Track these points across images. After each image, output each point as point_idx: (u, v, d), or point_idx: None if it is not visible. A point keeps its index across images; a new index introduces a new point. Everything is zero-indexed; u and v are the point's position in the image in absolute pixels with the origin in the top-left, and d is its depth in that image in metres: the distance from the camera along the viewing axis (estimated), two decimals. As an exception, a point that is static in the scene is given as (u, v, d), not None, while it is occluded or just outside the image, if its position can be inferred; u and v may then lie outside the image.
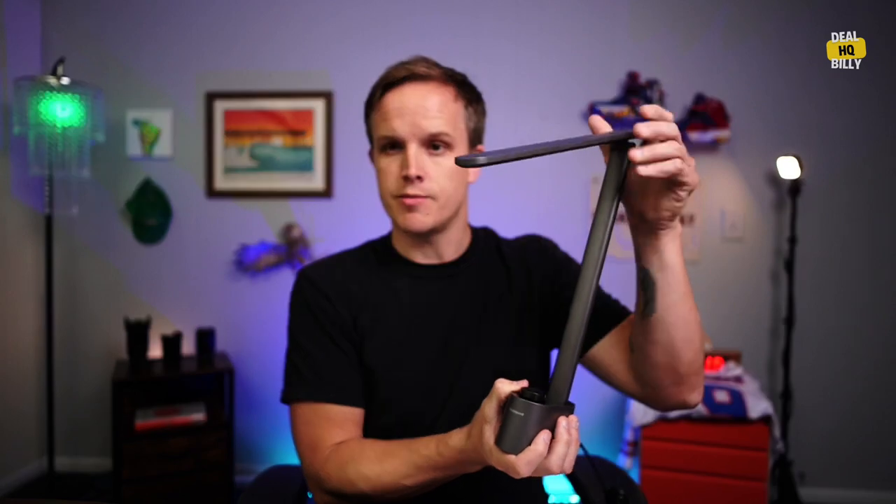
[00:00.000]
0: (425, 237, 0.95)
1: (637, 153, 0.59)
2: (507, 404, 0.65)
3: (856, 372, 2.45)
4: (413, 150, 0.88)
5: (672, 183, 0.64)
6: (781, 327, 2.44)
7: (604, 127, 0.64)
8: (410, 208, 0.90)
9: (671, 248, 0.71)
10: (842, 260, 2.45)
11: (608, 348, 0.89)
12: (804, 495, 2.38)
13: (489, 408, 0.69)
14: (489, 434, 0.68)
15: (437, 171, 0.90)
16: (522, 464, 0.63)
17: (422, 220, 0.90)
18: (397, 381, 0.94)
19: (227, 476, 2.38)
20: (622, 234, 2.28)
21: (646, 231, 0.71)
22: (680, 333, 0.76)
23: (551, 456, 0.64)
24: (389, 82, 0.90)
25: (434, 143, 0.90)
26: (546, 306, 0.99)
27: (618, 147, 0.62)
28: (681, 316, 0.75)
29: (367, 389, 0.95)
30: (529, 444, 0.64)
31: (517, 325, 0.97)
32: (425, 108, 0.88)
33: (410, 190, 0.88)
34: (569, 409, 0.66)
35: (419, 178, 0.88)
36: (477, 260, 1.01)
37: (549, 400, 0.64)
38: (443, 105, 0.90)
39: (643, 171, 0.60)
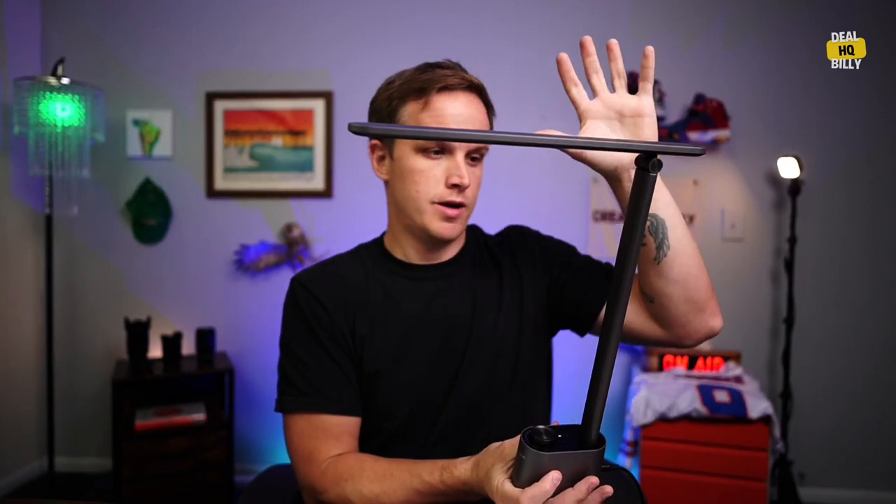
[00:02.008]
0: (442, 242, 0.96)
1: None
2: (521, 442, 0.65)
3: (856, 372, 2.45)
4: (461, 158, 0.89)
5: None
6: (781, 327, 2.43)
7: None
8: (450, 220, 0.91)
9: (661, 182, 0.77)
10: (842, 260, 2.45)
11: None
12: (804, 495, 2.38)
13: (511, 449, 0.69)
14: (499, 472, 0.68)
15: (473, 182, 0.92)
16: (526, 498, 0.63)
17: (458, 229, 0.93)
18: (397, 385, 0.94)
19: (227, 476, 2.38)
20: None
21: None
22: (693, 260, 0.81)
23: (557, 501, 0.64)
24: (446, 86, 0.89)
25: (474, 155, 0.92)
26: (538, 295, 1.00)
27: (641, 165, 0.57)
28: (689, 243, 0.81)
29: (367, 395, 0.94)
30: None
31: (512, 321, 0.98)
32: (475, 119, 0.91)
33: (457, 198, 0.90)
34: (596, 450, 0.65)
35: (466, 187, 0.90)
36: (470, 258, 1.02)
37: (567, 443, 0.64)
38: (484, 118, 0.94)
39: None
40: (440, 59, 0.95)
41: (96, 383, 2.67)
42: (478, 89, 0.93)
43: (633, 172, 0.68)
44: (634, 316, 0.89)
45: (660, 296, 0.83)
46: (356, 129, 0.47)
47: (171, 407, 2.41)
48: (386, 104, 0.94)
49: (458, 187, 0.89)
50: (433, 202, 0.90)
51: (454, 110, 0.89)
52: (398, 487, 0.81)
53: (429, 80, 0.89)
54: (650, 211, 0.71)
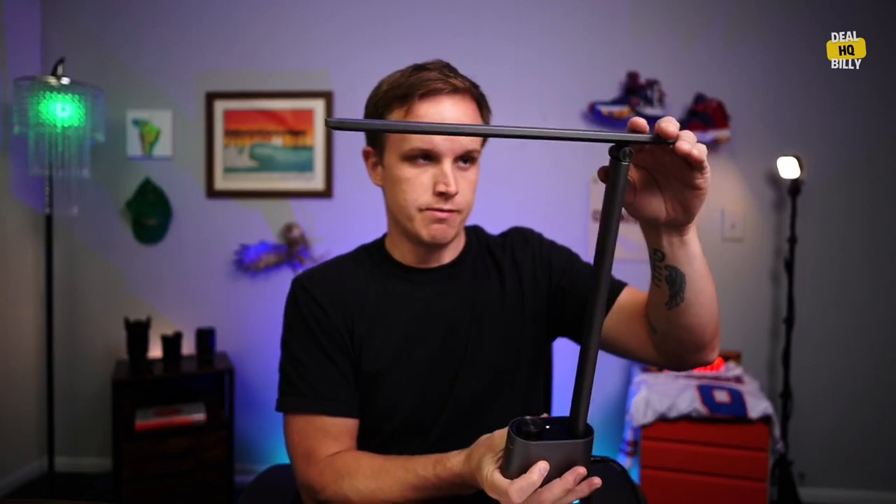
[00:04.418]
0: (437, 247, 0.95)
1: (684, 144, 0.56)
2: (509, 432, 0.65)
3: (856, 372, 2.45)
4: (448, 165, 0.88)
5: (696, 169, 0.61)
6: (781, 327, 2.43)
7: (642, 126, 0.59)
8: (441, 221, 0.90)
9: (694, 236, 0.70)
10: (842, 260, 2.45)
11: (617, 326, 0.89)
12: (804, 495, 2.38)
13: (501, 439, 0.69)
14: (489, 462, 0.68)
15: (465, 186, 0.91)
16: (514, 490, 0.63)
17: (449, 232, 0.92)
18: (397, 386, 0.94)
19: (227, 476, 2.38)
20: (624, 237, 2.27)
21: (676, 232, 0.69)
22: (706, 311, 0.76)
23: (545, 492, 0.64)
24: (428, 91, 0.88)
25: (464, 158, 0.90)
26: (538, 299, 1.00)
27: (614, 156, 0.57)
28: (707, 295, 0.75)
29: (367, 396, 0.95)
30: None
31: (513, 324, 0.98)
32: (462, 122, 0.89)
33: (445, 205, 0.89)
34: (583, 440, 0.64)
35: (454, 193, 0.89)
36: (471, 261, 1.02)
37: (555, 433, 0.64)
38: (474, 120, 0.92)
39: (696, 153, 0.57)
40: (431, 60, 0.93)
41: (96, 383, 2.67)
42: (465, 91, 0.91)
43: (671, 237, 0.68)
44: (633, 338, 0.87)
45: (663, 333, 0.80)
46: (333, 125, 0.47)
47: (171, 407, 2.41)
48: (373, 109, 0.94)
49: (445, 195, 0.88)
50: (421, 209, 0.90)
51: (437, 116, 0.88)
52: (394, 483, 0.81)
53: (412, 85, 0.88)
54: (671, 263, 0.71)
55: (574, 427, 0.64)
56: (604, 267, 0.59)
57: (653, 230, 0.69)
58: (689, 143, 0.57)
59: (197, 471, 2.31)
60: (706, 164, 0.59)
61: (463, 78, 0.92)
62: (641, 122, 0.57)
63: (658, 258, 0.72)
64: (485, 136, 0.48)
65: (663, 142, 0.57)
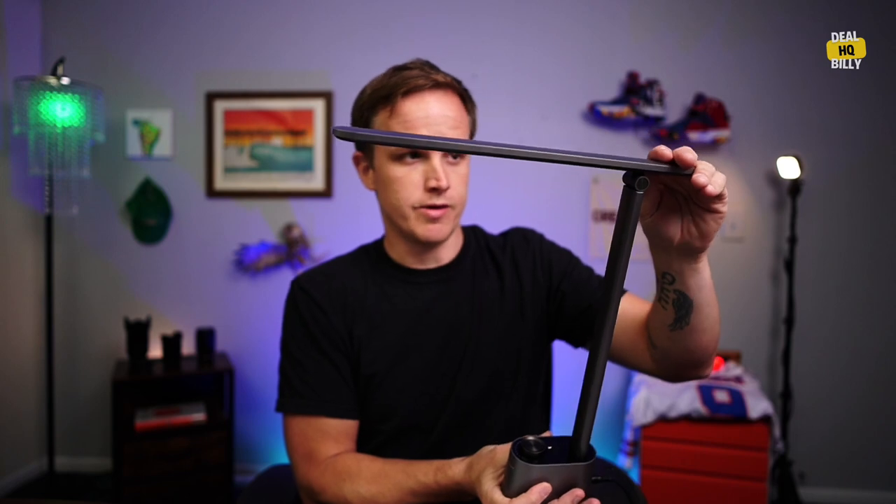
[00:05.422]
0: (433, 245, 0.95)
1: (702, 177, 0.55)
2: (511, 453, 0.65)
3: (856, 372, 2.45)
4: (437, 160, 0.88)
5: (713, 200, 0.60)
6: (781, 327, 2.43)
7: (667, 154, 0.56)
8: (434, 220, 0.90)
9: (706, 264, 0.69)
10: (842, 260, 2.45)
11: (616, 334, 0.87)
12: (804, 495, 2.38)
13: (503, 455, 0.69)
14: (490, 478, 0.68)
15: (456, 180, 0.90)
16: None
17: (444, 230, 0.91)
18: (396, 388, 0.94)
19: (227, 476, 2.38)
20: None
21: (689, 258, 0.67)
22: (709, 335, 0.76)
23: None
24: (410, 89, 0.88)
25: (452, 153, 0.89)
26: (538, 300, 0.99)
27: (629, 183, 0.55)
28: (712, 320, 0.75)
29: (366, 398, 0.95)
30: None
31: (512, 324, 0.98)
32: (447, 117, 0.89)
33: (437, 201, 0.88)
34: (584, 464, 0.64)
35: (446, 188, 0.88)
36: (470, 262, 1.01)
37: (557, 455, 0.64)
38: (459, 114, 0.91)
39: (710, 189, 0.56)
40: (411, 60, 0.93)
41: (96, 383, 2.67)
42: (448, 86, 0.90)
43: (682, 263, 0.67)
44: (630, 347, 0.87)
45: (664, 350, 0.80)
46: (342, 135, 0.44)
47: (171, 407, 2.41)
48: (359, 115, 0.94)
49: (437, 190, 0.88)
50: (414, 207, 0.90)
51: (421, 112, 0.87)
52: (394, 488, 0.81)
53: (394, 85, 0.88)
54: (681, 288, 0.70)
55: (576, 449, 0.64)
56: (612, 302, 0.57)
57: (664, 253, 0.68)
58: (706, 176, 0.55)
59: (197, 471, 2.31)
60: (725, 194, 0.58)
61: (444, 74, 0.92)
62: (665, 151, 0.55)
63: (667, 281, 0.70)
64: (498, 156, 0.46)
65: (680, 172, 0.55)
